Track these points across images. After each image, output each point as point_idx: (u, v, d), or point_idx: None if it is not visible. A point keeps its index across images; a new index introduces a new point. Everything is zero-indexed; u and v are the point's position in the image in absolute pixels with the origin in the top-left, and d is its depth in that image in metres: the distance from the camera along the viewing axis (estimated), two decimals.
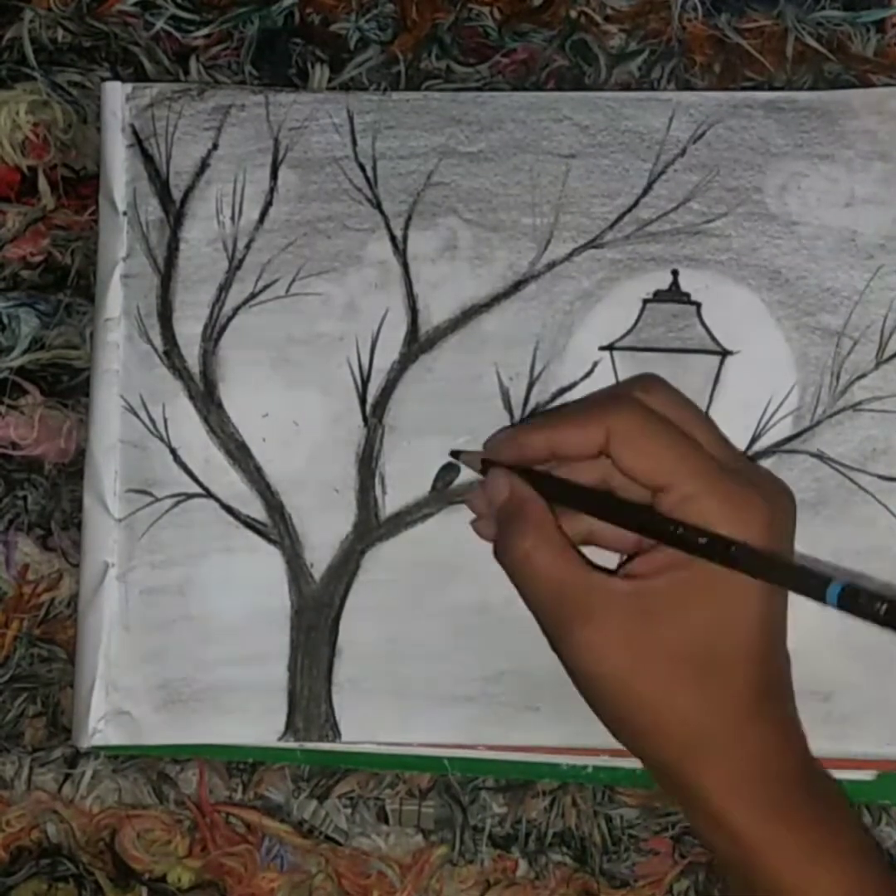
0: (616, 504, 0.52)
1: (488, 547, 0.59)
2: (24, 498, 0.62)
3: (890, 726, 0.58)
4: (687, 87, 0.61)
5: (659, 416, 0.51)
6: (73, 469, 0.61)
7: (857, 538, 0.58)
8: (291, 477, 0.60)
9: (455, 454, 0.58)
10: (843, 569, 0.58)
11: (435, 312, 0.60)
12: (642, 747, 0.52)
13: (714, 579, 0.49)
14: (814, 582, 0.47)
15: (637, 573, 0.51)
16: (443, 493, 0.59)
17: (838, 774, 0.58)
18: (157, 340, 0.60)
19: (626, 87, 0.61)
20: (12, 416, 0.62)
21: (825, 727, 0.58)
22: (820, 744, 0.57)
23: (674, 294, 0.59)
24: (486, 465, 0.55)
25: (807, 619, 0.58)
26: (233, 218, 0.60)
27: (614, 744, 0.58)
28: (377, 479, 0.59)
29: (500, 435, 0.56)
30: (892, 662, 0.58)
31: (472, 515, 0.57)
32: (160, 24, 0.62)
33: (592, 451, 0.51)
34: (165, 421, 0.60)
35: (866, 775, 0.59)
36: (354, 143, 0.61)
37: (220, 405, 0.60)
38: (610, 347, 0.59)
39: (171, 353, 0.60)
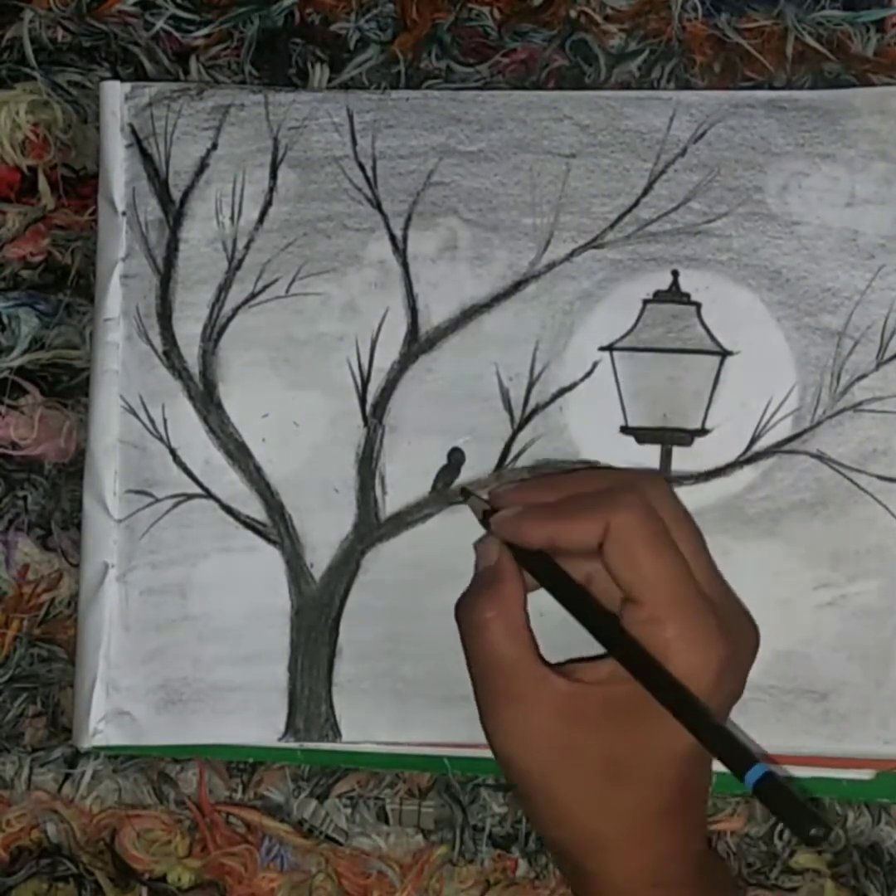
0: (586, 606, 0.52)
1: None
2: (24, 498, 0.62)
3: (887, 725, 0.58)
4: (687, 86, 0.61)
5: (658, 522, 0.51)
6: (73, 469, 0.61)
7: (857, 538, 0.58)
8: (291, 477, 0.60)
9: (465, 493, 0.58)
10: (839, 570, 0.58)
11: (435, 312, 0.60)
12: (547, 832, 0.53)
13: (649, 704, 0.49)
14: (738, 757, 0.47)
15: (579, 677, 0.51)
16: (443, 493, 0.59)
17: (836, 773, 0.58)
18: (157, 340, 0.60)
19: (626, 87, 0.61)
20: (12, 416, 0.62)
21: (823, 727, 0.58)
22: (818, 743, 0.57)
23: (674, 294, 0.59)
24: (485, 520, 0.55)
25: (804, 620, 0.58)
26: (232, 218, 0.60)
27: None
28: (377, 480, 0.59)
29: (506, 511, 0.54)
30: (889, 662, 0.58)
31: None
32: (160, 23, 0.62)
33: (590, 548, 0.51)
34: (165, 421, 0.60)
35: (864, 774, 0.59)
36: (354, 142, 0.61)
37: (219, 405, 0.60)
38: (610, 348, 0.59)
39: (171, 354, 0.60)
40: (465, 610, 0.53)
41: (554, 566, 0.52)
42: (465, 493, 0.58)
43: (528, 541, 0.52)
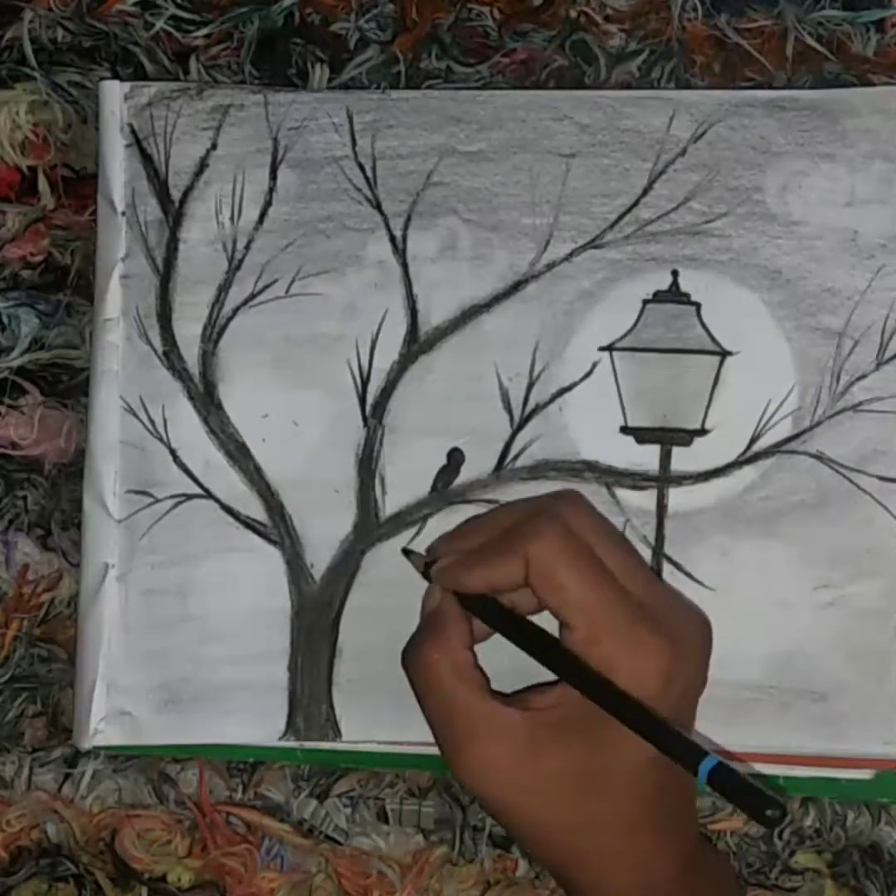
0: (528, 634, 0.53)
1: None
2: (24, 498, 0.62)
3: (887, 725, 0.58)
4: (687, 86, 0.61)
5: (578, 543, 0.52)
6: (73, 469, 0.61)
7: (856, 538, 0.58)
8: (291, 477, 0.60)
9: (406, 552, 0.59)
10: (839, 571, 0.58)
11: (434, 313, 0.60)
12: (536, 854, 0.55)
13: (601, 719, 0.50)
14: (689, 753, 0.48)
15: (531, 704, 0.52)
16: (443, 493, 0.59)
17: (836, 773, 0.58)
18: (157, 341, 0.60)
19: (626, 87, 0.61)
20: (12, 416, 0.62)
21: (823, 727, 0.58)
22: (818, 743, 0.57)
23: (674, 294, 0.59)
24: (427, 568, 0.56)
25: (804, 620, 0.58)
26: (232, 218, 0.60)
27: None
28: (377, 480, 0.59)
29: (441, 564, 0.55)
30: (889, 662, 0.58)
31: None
32: (160, 23, 0.62)
33: (520, 585, 0.52)
34: (165, 422, 0.60)
35: (864, 774, 0.59)
36: (354, 142, 0.61)
37: (219, 406, 0.60)
38: (610, 348, 0.59)
39: (171, 354, 0.60)
40: (411, 656, 0.54)
41: (493, 604, 0.54)
42: (406, 552, 0.59)
43: (468, 587, 0.53)
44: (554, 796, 0.51)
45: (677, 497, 0.58)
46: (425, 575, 0.56)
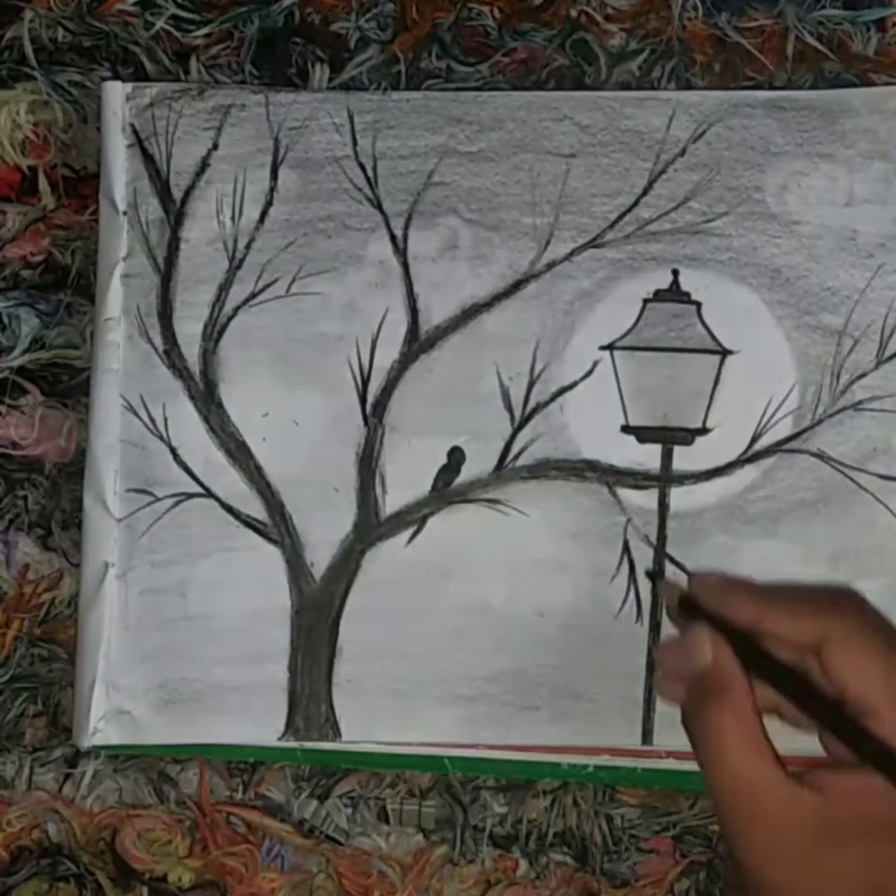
0: (829, 706, 0.46)
1: (488, 547, 0.59)
2: (25, 498, 0.62)
3: None
4: (687, 86, 0.61)
5: (882, 631, 0.46)
6: (74, 469, 0.61)
7: (857, 537, 0.58)
8: (291, 476, 0.60)
9: (651, 576, 0.55)
10: (840, 569, 0.58)
11: (435, 312, 0.60)
12: None
13: None
14: None
15: (827, 789, 0.46)
16: (443, 492, 0.59)
17: None
18: (158, 340, 0.60)
19: (626, 87, 0.61)
20: (13, 416, 0.62)
21: None
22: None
23: (674, 293, 0.59)
24: (683, 604, 0.48)
25: None
26: (233, 218, 0.60)
27: (615, 743, 0.59)
28: (377, 479, 0.59)
29: (709, 579, 0.48)
30: None
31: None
32: (160, 23, 0.62)
33: (803, 645, 0.46)
34: (165, 421, 0.60)
35: None
36: (355, 142, 0.61)
37: (220, 405, 0.60)
38: (610, 347, 0.59)
39: (172, 353, 0.60)
40: (695, 721, 0.47)
41: (775, 659, 0.47)
42: (652, 576, 0.55)
43: (737, 615, 0.47)
44: (840, 893, 0.46)
45: (679, 496, 0.58)
46: (681, 609, 0.48)
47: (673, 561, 0.58)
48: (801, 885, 0.47)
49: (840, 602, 0.47)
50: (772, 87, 0.61)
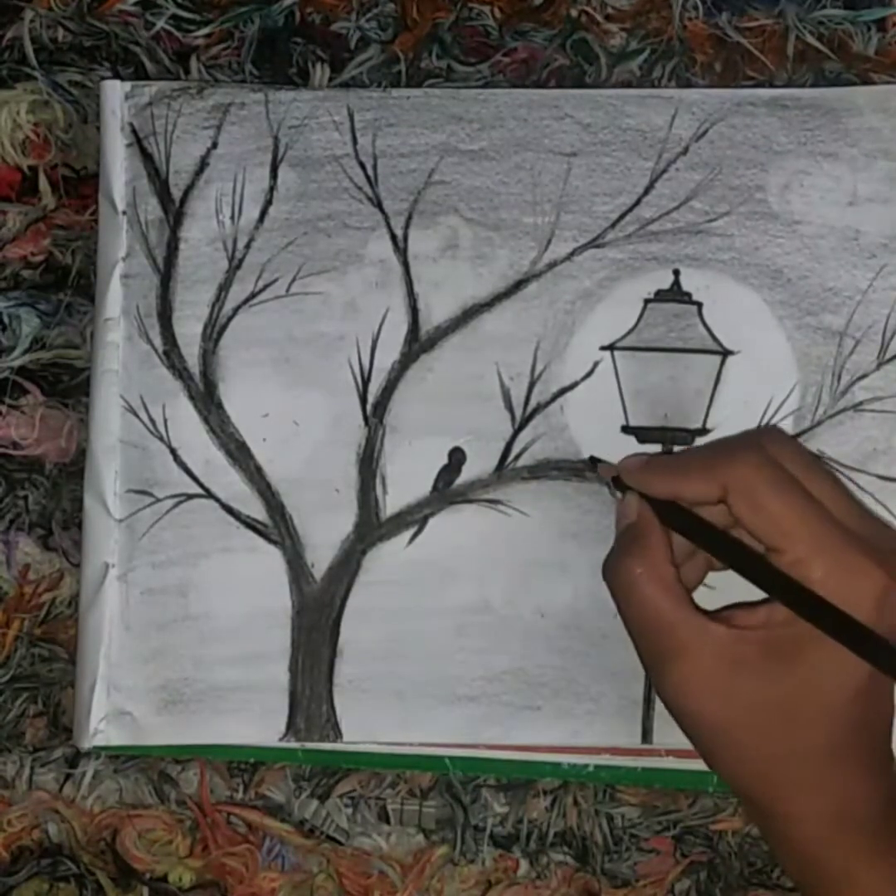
0: (735, 549, 0.52)
1: (489, 547, 0.59)
2: (25, 498, 0.62)
3: None
4: (688, 86, 0.61)
5: (781, 470, 0.51)
6: (74, 469, 0.61)
7: None
8: (292, 477, 0.60)
9: (594, 460, 0.57)
10: None
11: (436, 312, 0.60)
12: (730, 778, 0.52)
13: (808, 640, 0.49)
14: None
15: (736, 622, 0.51)
16: (444, 492, 0.59)
17: None
18: (157, 340, 0.60)
19: (626, 87, 0.61)
20: (13, 416, 0.62)
21: None
22: None
23: (675, 293, 0.59)
24: (616, 481, 0.54)
25: None
26: (233, 217, 0.60)
27: (615, 743, 0.59)
28: (378, 479, 0.59)
29: (632, 462, 0.54)
30: None
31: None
32: (161, 23, 0.62)
33: (712, 501, 0.51)
34: (165, 421, 0.60)
35: None
36: (355, 141, 0.60)
37: (220, 405, 0.60)
38: (611, 347, 0.59)
39: (171, 353, 0.60)
40: (613, 570, 0.52)
41: (690, 514, 0.52)
42: (593, 460, 0.57)
43: (655, 489, 0.52)
44: (758, 720, 0.50)
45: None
46: (614, 486, 0.55)
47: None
48: (716, 711, 0.50)
49: (738, 451, 0.51)
50: (773, 87, 0.60)
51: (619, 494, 0.54)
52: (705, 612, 0.51)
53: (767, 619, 0.50)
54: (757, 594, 0.51)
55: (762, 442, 0.52)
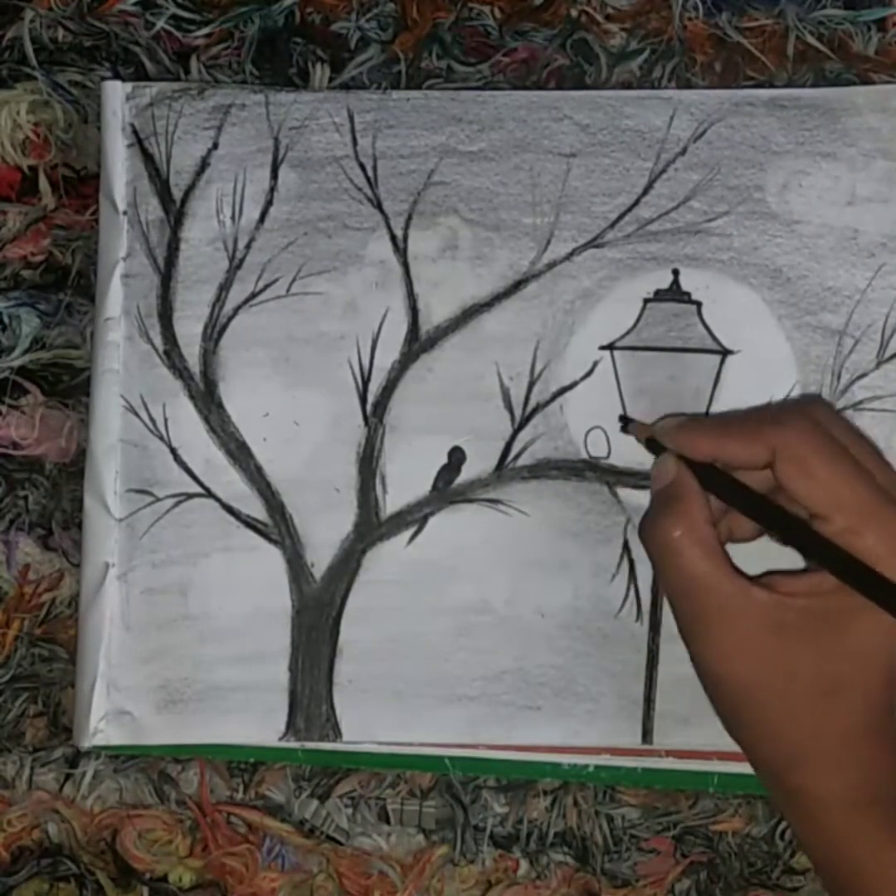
0: (782, 516, 0.51)
1: (489, 546, 0.59)
2: (25, 498, 0.62)
3: None
4: (688, 86, 0.61)
5: (830, 438, 0.50)
6: (74, 469, 0.61)
7: None
8: (292, 476, 0.60)
9: (625, 419, 0.57)
10: None
11: (435, 312, 0.60)
12: (755, 749, 0.52)
13: (852, 612, 0.49)
14: None
15: (780, 588, 0.50)
16: (444, 492, 0.59)
17: None
18: (158, 340, 0.60)
19: (627, 87, 0.61)
20: (13, 416, 0.62)
21: None
22: None
23: (674, 293, 0.59)
24: (650, 442, 0.54)
25: None
26: (233, 217, 0.60)
27: (615, 743, 0.59)
28: (378, 479, 0.59)
29: (669, 421, 0.54)
30: None
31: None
32: (161, 23, 0.62)
33: (757, 465, 0.50)
34: (166, 421, 0.60)
35: None
36: (355, 142, 0.61)
37: (220, 405, 0.60)
38: (610, 347, 0.59)
39: (172, 353, 0.60)
40: (651, 532, 0.51)
41: (730, 478, 0.51)
42: (625, 419, 0.57)
43: (695, 451, 0.51)
44: (795, 691, 0.49)
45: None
46: (649, 447, 0.54)
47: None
48: (755, 677, 0.50)
49: (786, 417, 0.51)
50: (772, 87, 0.60)
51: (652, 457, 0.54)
52: (747, 576, 0.50)
53: (813, 587, 0.49)
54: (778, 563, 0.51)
55: (808, 410, 0.51)
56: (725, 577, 0.50)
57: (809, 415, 0.51)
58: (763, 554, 0.52)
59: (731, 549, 0.52)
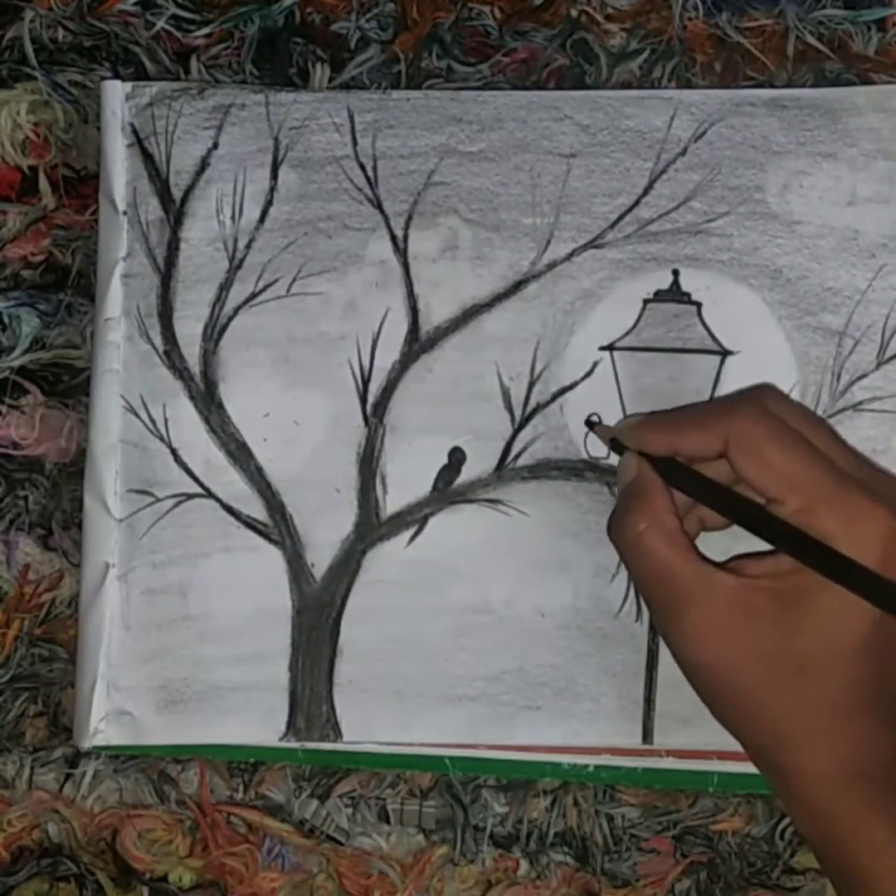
0: (738, 503, 0.52)
1: (489, 547, 0.59)
2: (25, 498, 0.62)
3: None
4: (688, 86, 0.61)
5: (781, 422, 0.51)
6: (74, 469, 0.61)
7: None
8: (292, 477, 0.60)
9: (590, 423, 0.58)
10: None
11: (435, 312, 0.60)
12: (739, 732, 0.52)
13: (814, 590, 0.49)
14: None
15: (743, 571, 0.51)
16: (444, 492, 0.59)
17: None
18: (158, 340, 0.60)
19: (626, 87, 0.61)
20: (13, 416, 0.62)
21: None
22: None
23: (674, 294, 0.59)
24: (614, 443, 0.54)
25: None
26: (233, 217, 0.60)
27: (615, 743, 0.59)
28: (378, 479, 0.59)
29: (629, 421, 0.54)
30: None
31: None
32: (161, 23, 0.62)
33: (712, 455, 0.51)
34: (166, 421, 0.60)
35: None
36: (355, 142, 0.61)
37: (220, 405, 0.60)
38: (610, 347, 0.59)
39: (172, 353, 0.60)
40: (617, 527, 0.52)
41: (690, 470, 0.52)
42: (589, 423, 0.58)
43: (653, 446, 0.52)
44: (769, 671, 0.50)
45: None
46: (613, 448, 0.54)
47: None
48: (727, 661, 0.50)
49: (738, 403, 0.52)
50: (773, 87, 0.60)
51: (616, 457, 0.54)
52: (712, 563, 0.51)
53: (774, 568, 0.50)
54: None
55: (759, 395, 0.52)
56: (691, 565, 0.51)
57: (759, 402, 0.51)
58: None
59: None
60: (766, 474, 0.50)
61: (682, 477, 0.52)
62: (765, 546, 0.50)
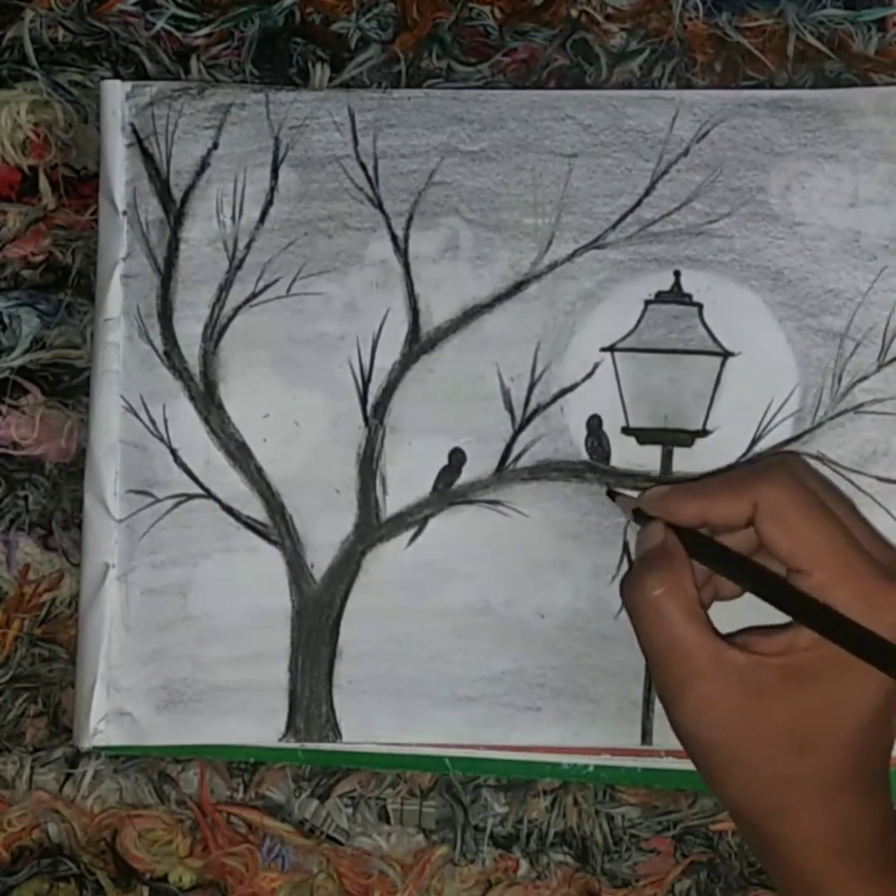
0: (761, 575, 0.52)
1: (489, 548, 0.59)
2: (25, 498, 0.62)
3: None
4: (688, 86, 0.61)
5: (810, 493, 0.51)
6: (74, 469, 0.61)
7: None
8: (292, 477, 0.60)
9: (611, 494, 0.58)
10: None
11: (436, 312, 0.60)
12: (734, 802, 0.52)
13: (830, 669, 0.49)
14: None
15: (757, 648, 0.51)
16: (444, 493, 0.59)
17: None
18: (158, 340, 0.60)
19: (627, 87, 0.61)
20: (13, 416, 0.62)
21: None
22: None
23: (676, 295, 0.59)
24: (637, 513, 0.54)
25: None
26: (233, 217, 0.60)
27: (615, 743, 0.59)
28: (378, 480, 0.59)
29: (655, 491, 0.54)
30: None
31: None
32: (161, 23, 0.62)
33: (741, 523, 0.51)
34: (166, 421, 0.60)
35: None
36: (355, 141, 0.60)
37: (220, 406, 0.60)
38: (611, 348, 0.59)
39: (172, 354, 0.60)
40: (632, 590, 0.52)
41: (714, 543, 0.52)
42: (611, 494, 0.58)
43: (679, 516, 0.52)
44: (772, 745, 0.50)
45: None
46: (636, 518, 0.54)
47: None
48: (732, 740, 0.50)
49: (766, 473, 0.52)
50: (773, 87, 0.60)
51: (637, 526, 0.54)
52: (723, 638, 0.51)
53: (789, 644, 0.50)
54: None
55: (790, 464, 0.52)
56: (704, 639, 0.50)
57: (790, 470, 0.51)
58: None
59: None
60: (793, 544, 0.50)
61: (704, 549, 0.52)
62: (772, 613, 0.51)
